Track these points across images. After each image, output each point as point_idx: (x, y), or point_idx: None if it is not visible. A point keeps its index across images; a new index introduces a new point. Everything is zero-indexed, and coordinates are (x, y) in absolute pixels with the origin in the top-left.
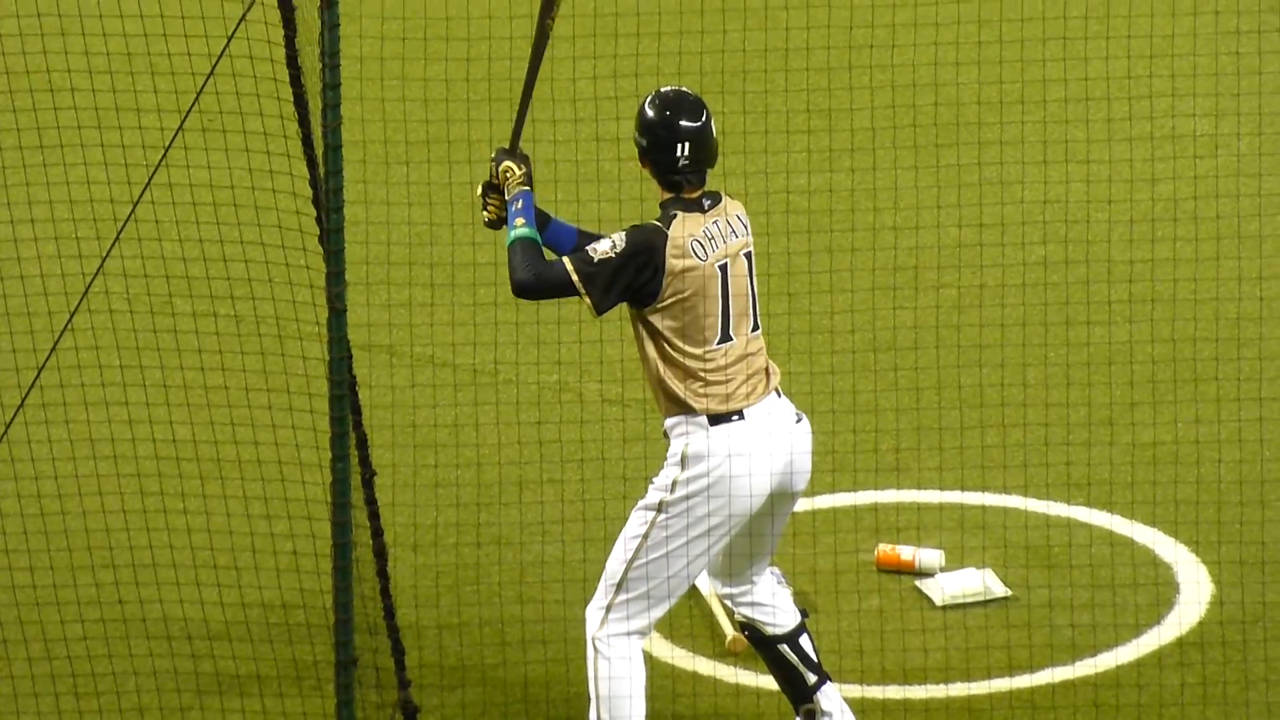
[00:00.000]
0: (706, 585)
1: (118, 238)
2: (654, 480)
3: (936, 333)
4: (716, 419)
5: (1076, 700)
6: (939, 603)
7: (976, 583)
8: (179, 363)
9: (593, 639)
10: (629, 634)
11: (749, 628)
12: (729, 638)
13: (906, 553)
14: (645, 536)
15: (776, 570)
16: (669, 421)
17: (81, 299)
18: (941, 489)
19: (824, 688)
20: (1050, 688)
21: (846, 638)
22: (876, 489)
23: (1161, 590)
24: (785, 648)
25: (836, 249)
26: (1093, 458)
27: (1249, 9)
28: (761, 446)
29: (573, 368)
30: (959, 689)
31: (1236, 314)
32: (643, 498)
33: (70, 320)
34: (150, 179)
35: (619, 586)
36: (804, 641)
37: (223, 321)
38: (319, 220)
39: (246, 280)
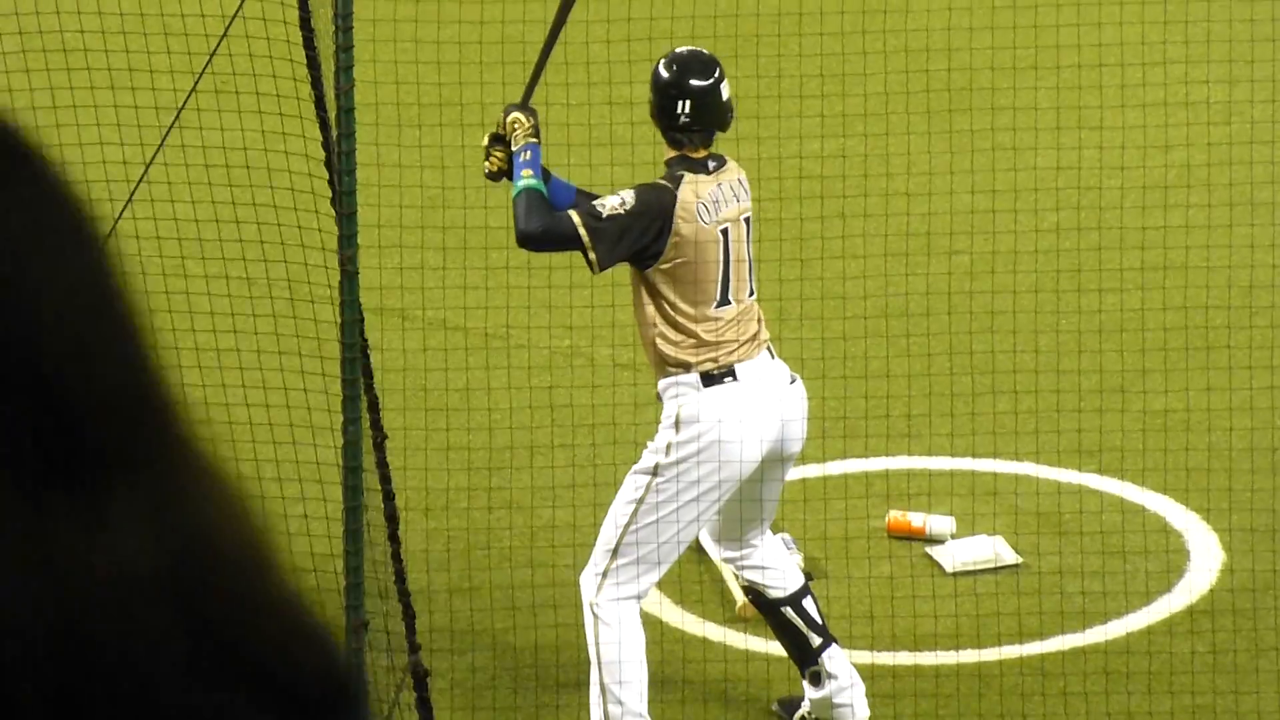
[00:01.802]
0: (716, 550)
1: (130, 199)
2: (649, 443)
3: (948, 299)
4: (709, 380)
5: (1086, 667)
6: (949, 569)
7: (987, 550)
8: (190, 325)
9: (590, 605)
10: (626, 598)
11: (753, 591)
12: (739, 603)
13: (917, 519)
14: (640, 501)
15: (786, 536)
16: (662, 383)
17: None
18: (953, 455)
19: (829, 650)
20: (1060, 654)
21: (857, 604)
22: (888, 455)
23: (1172, 558)
24: (789, 610)
25: (849, 215)
26: (1104, 425)
27: None
28: (755, 408)
29: (584, 332)
30: (969, 655)
31: (1249, 282)
32: (637, 461)
33: None
34: (163, 140)
35: (615, 552)
36: (808, 604)
37: (235, 284)
38: (331, 183)
39: (259, 242)
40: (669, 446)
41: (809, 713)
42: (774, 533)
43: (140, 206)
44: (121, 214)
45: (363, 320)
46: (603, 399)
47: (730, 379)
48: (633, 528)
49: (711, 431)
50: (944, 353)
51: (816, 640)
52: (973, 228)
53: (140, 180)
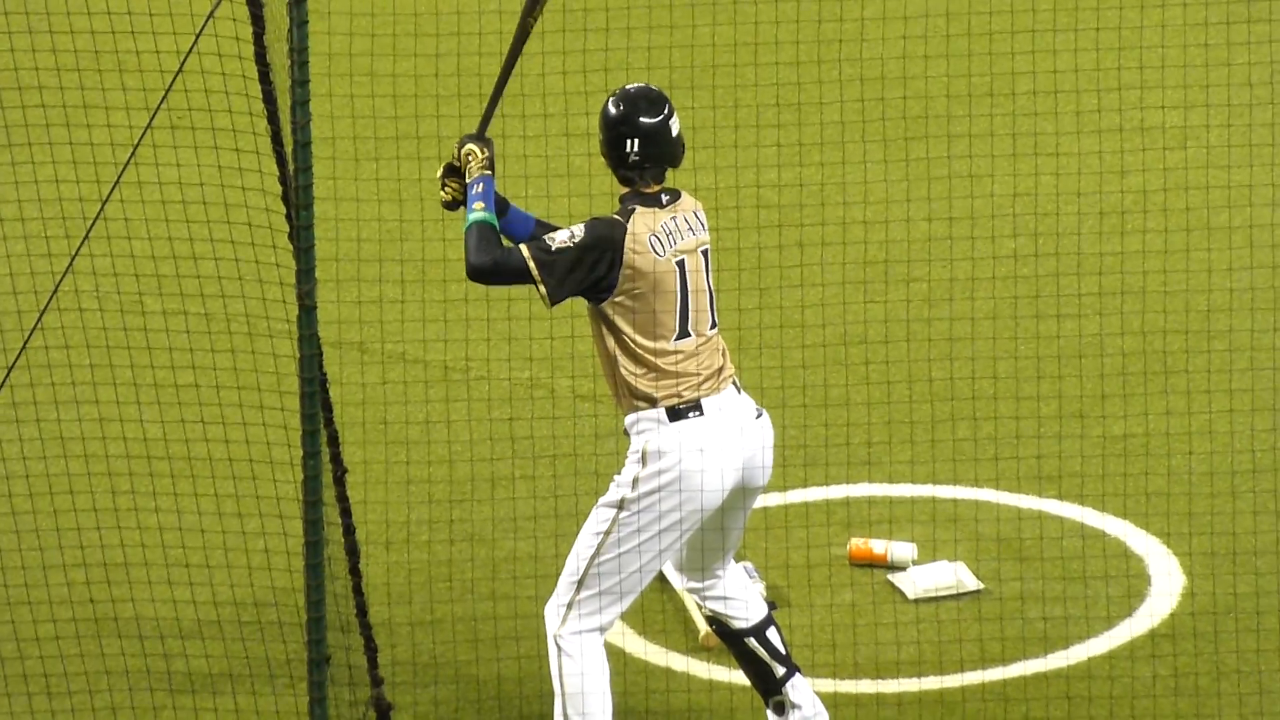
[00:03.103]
0: (679, 580)
1: (87, 236)
2: (616, 477)
3: (907, 326)
4: (675, 414)
5: (1049, 692)
6: (911, 596)
7: (949, 576)
8: (149, 361)
9: (554, 636)
10: (590, 630)
11: (716, 621)
12: (702, 633)
13: (879, 546)
14: (607, 534)
15: (748, 564)
16: (629, 419)
17: (51, 298)
18: (913, 482)
19: (793, 679)
20: (1022, 680)
21: (819, 632)
22: (848, 483)
23: (1133, 582)
24: (753, 640)
25: (807, 243)
26: (1064, 450)
27: (1217, 0)
28: (721, 442)
29: (544, 364)
30: (932, 682)
31: (1206, 305)
32: (603, 494)
33: (40, 319)
34: (119, 177)
35: (580, 584)
36: (771, 634)
37: (193, 319)
38: (289, 217)
39: (216, 278)
40: (635, 480)
41: None
42: (736, 561)
43: (97, 243)
44: (79, 251)
45: (321, 354)
46: (563, 430)
47: (696, 414)
48: (598, 560)
49: (677, 466)
50: (903, 380)
51: (780, 670)
52: (930, 255)
53: (97, 217)
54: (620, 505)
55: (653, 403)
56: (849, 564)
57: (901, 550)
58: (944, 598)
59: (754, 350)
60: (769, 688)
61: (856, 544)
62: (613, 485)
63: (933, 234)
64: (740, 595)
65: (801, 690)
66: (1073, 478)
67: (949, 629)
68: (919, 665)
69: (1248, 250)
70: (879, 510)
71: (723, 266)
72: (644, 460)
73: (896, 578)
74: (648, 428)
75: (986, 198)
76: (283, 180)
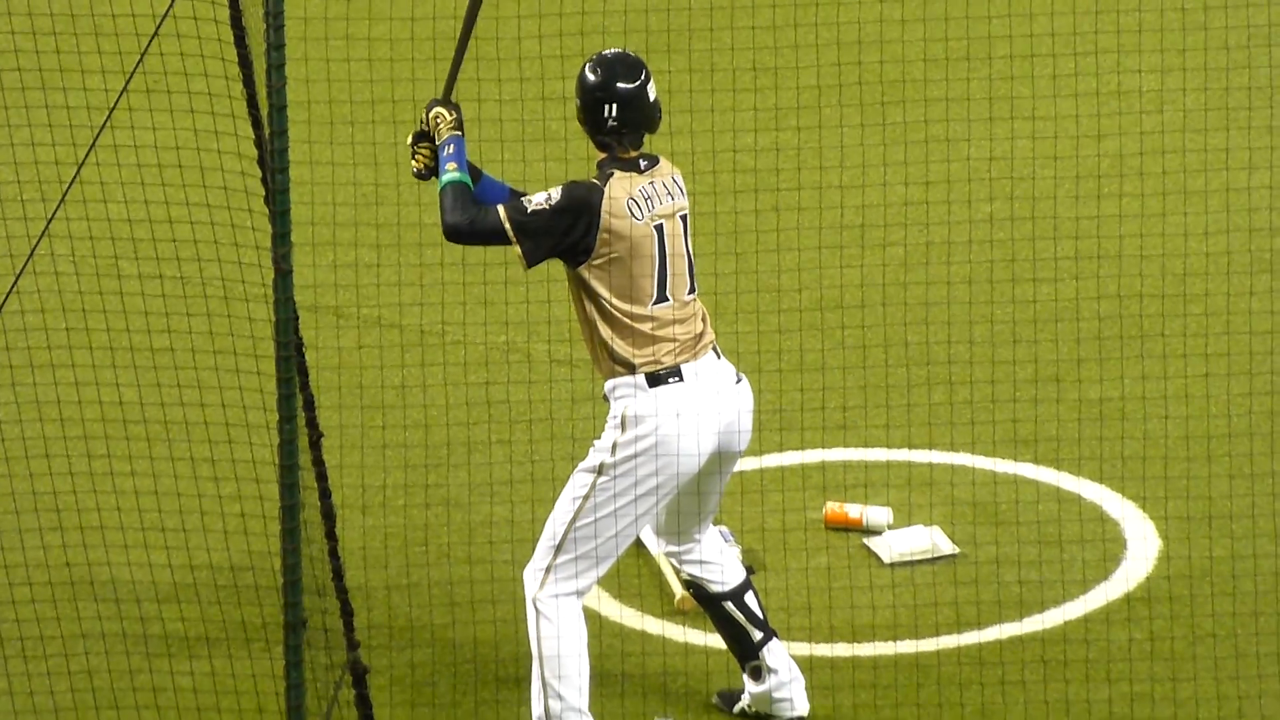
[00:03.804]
0: (655, 544)
1: (63, 200)
2: (595, 442)
3: (883, 291)
4: (655, 380)
5: (1024, 656)
6: (887, 560)
7: (924, 540)
8: (125, 325)
9: (533, 600)
10: (568, 594)
11: (695, 585)
12: (678, 597)
13: (854, 511)
14: (586, 498)
15: (724, 529)
16: (609, 384)
17: (27, 261)
18: (889, 447)
19: (769, 644)
20: (998, 644)
21: (795, 596)
22: (824, 447)
23: (1109, 546)
24: (730, 605)
25: (783, 208)
26: (1040, 415)
27: None
28: (700, 407)
29: (521, 328)
30: (907, 646)
31: (1183, 270)
32: (584, 459)
33: (15, 283)
34: (95, 141)
35: (559, 548)
36: (749, 599)
37: (169, 283)
38: (264, 181)
39: (192, 242)
40: (614, 446)
41: (749, 706)
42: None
43: (73, 206)
44: (55, 214)
45: (297, 318)
46: (540, 395)
47: (675, 379)
48: (576, 525)
49: (656, 432)
50: (879, 345)
51: (757, 635)
52: (907, 219)
53: (73, 180)
54: (599, 470)
55: (632, 369)
56: (825, 528)
57: (877, 514)
58: (919, 562)
59: (730, 315)
60: (746, 652)
61: (832, 508)
62: (592, 450)
63: (909, 198)
64: (718, 559)
65: (778, 654)
66: (1048, 442)
67: (924, 593)
68: (894, 629)
69: (1224, 214)
70: (854, 475)
71: (699, 231)
72: (623, 425)
73: (872, 542)
74: (626, 393)
75: (963, 162)
76: (258, 144)
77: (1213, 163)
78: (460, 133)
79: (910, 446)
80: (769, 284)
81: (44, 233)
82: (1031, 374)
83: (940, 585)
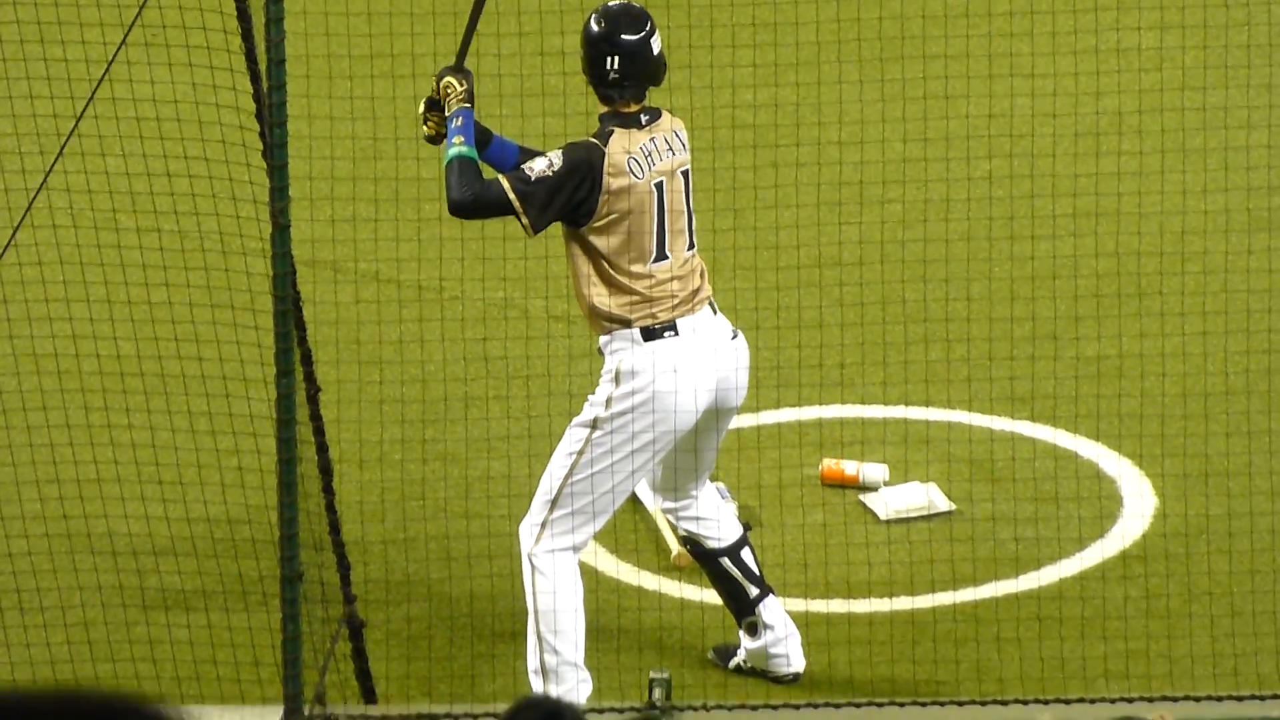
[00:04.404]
0: (651, 500)
1: (60, 153)
2: (590, 397)
3: (881, 248)
4: (650, 334)
5: (1020, 613)
6: (883, 517)
7: (920, 497)
8: (123, 278)
9: (528, 555)
10: (563, 550)
11: (691, 542)
12: (674, 553)
13: (851, 468)
14: (580, 453)
15: (721, 485)
16: (603, 339)
17: (25, 215)
18: (886, 404)
19: (766, 600)
20: (994, 601)
21: (791, 552)
22: (821, 404)
23: (1105, 504)
24: (727, 561)
25: (782, 164)
26: (1037, 372)
27: None
28: (695, 362)
29: (518, 284)
30: (903, 602)
31: (1181, 228)
32: (577, 415)
33: (14, 236)
34: (93, 93)
35: (554, 503)
36: (745, 555)
37: (167, 237)
38: (262, 135)
39: (190, 196)
40: (609, 400)
41: (744, 662)
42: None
43: (71, 159)
44: (52, 167)
45: (295, 273)
46: (537, 351)
47: (671, 334)
48: (571, 480)
49: (651, 386)
50: (877, 302)
51: (754, 591)
52: (905, 176)
53: (71, 133)
54: (593, 425)
55: (627, 323)
56: (821, 485)
57: (873, 471)
58: (915, 518)
59: (728, 271)
60: (742, 608)
61: (828, 465)
62: (586, 405)
63: (907, 155)
64: (715, 516)
65: (774, 610)
66: (1045, 399)
67: (920, 550)
68: (890, 585)
69: (1222, 172)
70: (851, 431)
71: (698, 187)
72: (617, 380)
73: (868, 498)
74: (621, 347)
75: (961, 119)
76: (256, 98)
77: (1211, 121)
78: (470, 105)
79: (907, 404)
80: (767, 241)
81: (42, 185)
82: (1029, 331)
83: (936, 542)
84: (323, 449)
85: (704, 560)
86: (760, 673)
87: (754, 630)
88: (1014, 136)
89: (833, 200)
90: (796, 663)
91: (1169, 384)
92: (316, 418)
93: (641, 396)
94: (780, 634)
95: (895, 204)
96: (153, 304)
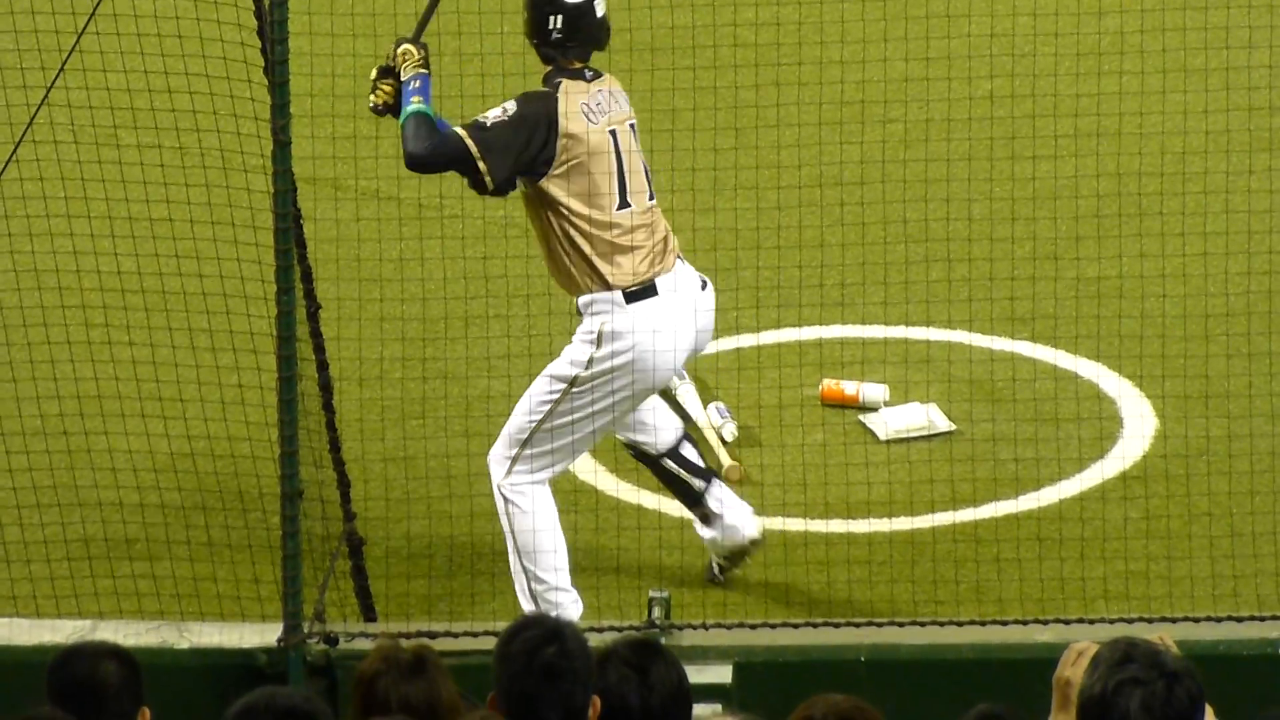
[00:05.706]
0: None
1: (62, 68)
2: (567, 352)
3: (882, 167)
4: (631, 296)
5: (1019, 534)
6: (883, 437)
7: (920, 417)
8: (124, 194)
9: (498, 486)
10: (537, 482)
11: (634, 448)
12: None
13: (850, 387)
14: (557, 403)
15: (720, 404)
16: (582, 300)
17: (26, 130)
18: (886, 324)
19: (710, 488)
20: (993, 521)
21: (790, 471)
22: (821, 324)
23: (1105, 424)
24: (668, 461)
25: (783, 83)
26: (1037, 292)
27: None
28: (677, 322)
29: (517, 201)
30: (902, 522)
31: (1182, 148)
32: (553, 361)
33: (15, 152)
34: (95, 9)
35: (526, 442)
36: (686, 450)
37: (168, 154)
38: (264, 51)
39: (191, 112)
40: (590, 360)
41: (719, 561)
42: (708, 401)
43: (72, 75)
44: (54, 83)
45: (295, 190)
46: (538, 269)
47: (652, 295)
48: (546, 425)
49: (635, 348)
50: (878, 222)
51: (699, 484)
52: (907, 96)
53: (72, 49)
54: (573, 382)
55: (606, 284)
56: (820, 404)
57: (873, 391)
58: (915, 439)
59: (729, 191)
60: (692, 501)
61: (828, 385)
62: (563, 360)
63: (909, 74)
64: (651, 421)
65: (718, 491)
66: (1046, 320)
67: (920, 470)
68: (889, 505)
69: (1224, 93)
70: (851, 351)
71: (698, 105)
72: (599, 342)
73: (868, 418)
74: (603, 309)
75: (963, 38)
76: (258, 13)
77: (1213, 41)
78: (426, 71)
79: (908, 324)
80: (768, 160)
81: (43, 101)
82: (1030, 252)
83: (936, 462)
84: (323, 366)
85: (649, 464)
86: (727, 560)
87: (707, 520)
88: (1016, 56)
89: (834, 120)
90: (749, 529)
91: (1169, 305)
92: (316, 335)
93: (623, 359)
94: (729, 507)
95: (897, 123)
96: (153, 220)
